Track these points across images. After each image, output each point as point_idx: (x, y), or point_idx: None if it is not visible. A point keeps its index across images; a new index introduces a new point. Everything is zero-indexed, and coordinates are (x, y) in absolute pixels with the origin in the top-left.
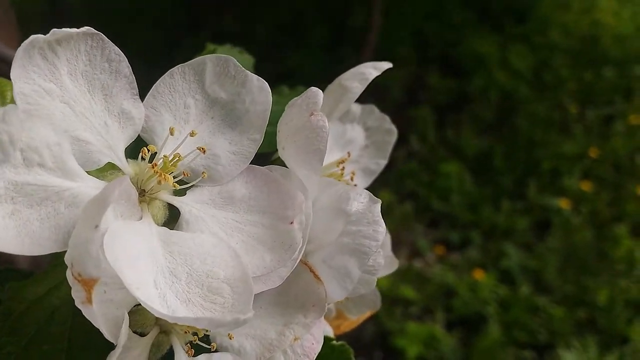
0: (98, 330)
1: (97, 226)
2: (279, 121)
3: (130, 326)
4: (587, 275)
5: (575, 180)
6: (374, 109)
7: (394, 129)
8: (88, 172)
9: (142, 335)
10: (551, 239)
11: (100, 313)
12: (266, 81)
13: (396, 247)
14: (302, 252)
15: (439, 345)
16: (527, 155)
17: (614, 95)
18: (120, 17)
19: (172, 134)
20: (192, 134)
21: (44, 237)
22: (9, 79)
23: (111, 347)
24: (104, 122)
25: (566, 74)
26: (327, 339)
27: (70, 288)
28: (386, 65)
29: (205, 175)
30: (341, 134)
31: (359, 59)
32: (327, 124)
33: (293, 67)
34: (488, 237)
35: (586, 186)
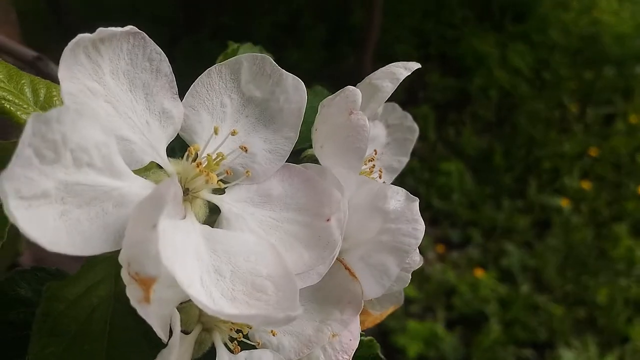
0: (137, 327)
1: (154, 225)
2: (316, 120)
3: None
4: (587, 274)
5: (575, 180)
6: (395, 107)
7: (415, 127)
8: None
9: (185, 333)
10: (551, 238)
11: (155, 312)
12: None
13: None
14: (339, 249)
15: (440, 343)
16: (527, 154)
17: (614, 95)
18: (118, 15)
19: (216, 133)
20: (233, 133)
21: (94, 237)
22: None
23: (151, 344)
24: (146, 121)
25: (566, 73)
26: None
27: (108, 286)
28: (415, 65)
29: (250, 174)
30: None
31: (358, 57)
32: (367, 122)
33: (291, 65)
34: (488, 236)
35: (586, 185)
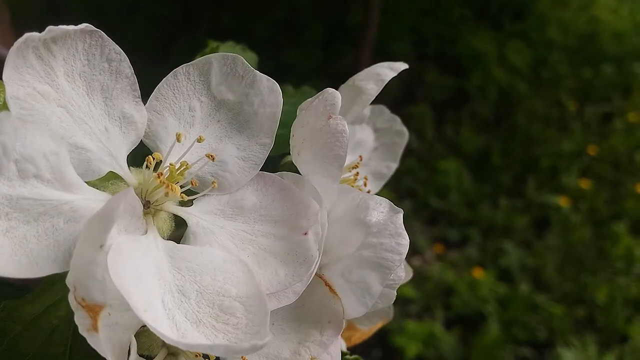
0: None
1: (102, 246)
2: (293, 124)
3: (137, 349)
4: (586, 273)
5: (574, 178)
6: (384, 110)
7: (404, 131)
8: (88, 182)
9: (149, 358)
10: (550, 237)
11: (107, 339)
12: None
13: None
14: (317, 265)
15: (439, 343)
16: (525, 153)
17: (612, 93)
18: (116, 14)
19: (179, 140)
20: (199, 140)
21: (42, 256)
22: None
23: None
24: (104, 127)
25: (564, 71)
26: (342, 353)
27: (69, 306)
28: (402, 65)
29: (216, 184)
30: (350, 136)
31: (356, 56)
32: (347, 127)
33: (289, 64)
34: (487, 235)
35: (585, 184)
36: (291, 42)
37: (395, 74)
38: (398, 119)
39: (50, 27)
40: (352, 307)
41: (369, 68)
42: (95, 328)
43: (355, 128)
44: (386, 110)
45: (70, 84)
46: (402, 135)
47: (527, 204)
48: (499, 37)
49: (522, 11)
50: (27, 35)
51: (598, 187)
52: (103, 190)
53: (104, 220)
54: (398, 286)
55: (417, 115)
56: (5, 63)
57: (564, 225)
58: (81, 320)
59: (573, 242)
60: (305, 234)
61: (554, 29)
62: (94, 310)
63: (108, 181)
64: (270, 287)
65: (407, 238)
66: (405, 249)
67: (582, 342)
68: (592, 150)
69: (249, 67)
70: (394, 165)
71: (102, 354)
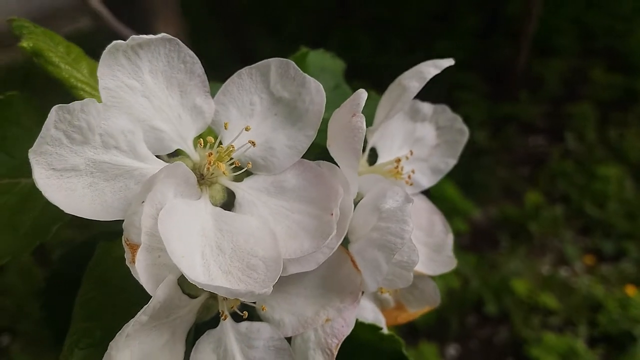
0: None
1: (142, 202)
2: (330, 120)
3: (184, 288)
4: None
5: None
6: (445, 109)
7: (465, 129)
8: (162, 157)
9: (193, 297)
10: None
11: (151, 274)
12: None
13: (540, 252)
14: (340, 241)
15: None
16: None
17: None
18: (281, 5)
19: (226, 128)
20: (247, 129)
21: (113, 206)
22: None
23: None
24: (178, 114)
25: None
26: (375, 328)
27: None
28: (447, 62)
29: (261, 163)
30: (411, 132)
31: (513, 49)
32: (364, 125)
33: (441, 55)
34: None
35: None
36: (445, 33)
37: (438, 71)
38: (459, 118)
39: (133, 37)
40: (367, 281)
41: (416, 66)
42: (133, 261)
43: (416, 125)
44: (448, 109)
45: (153, 80)
46: (463, 133)
47: None
48: None
49: None
50: (115, 42)
51: None
52: (170, 162)
53: (147, 185)
54: (412, 268)
55: (577, 114)
56: (100, 62)
57: None
58: (126, 255)
59: None
60: (332, 214)
61: None
62: (133, 248)
63: (178, 156)
64: (294, 254)
65: (412, 225)
66: (407, 235)
67: None
68: None
69: (299, 71)
70: (453, 161)
71: (141, 282)
